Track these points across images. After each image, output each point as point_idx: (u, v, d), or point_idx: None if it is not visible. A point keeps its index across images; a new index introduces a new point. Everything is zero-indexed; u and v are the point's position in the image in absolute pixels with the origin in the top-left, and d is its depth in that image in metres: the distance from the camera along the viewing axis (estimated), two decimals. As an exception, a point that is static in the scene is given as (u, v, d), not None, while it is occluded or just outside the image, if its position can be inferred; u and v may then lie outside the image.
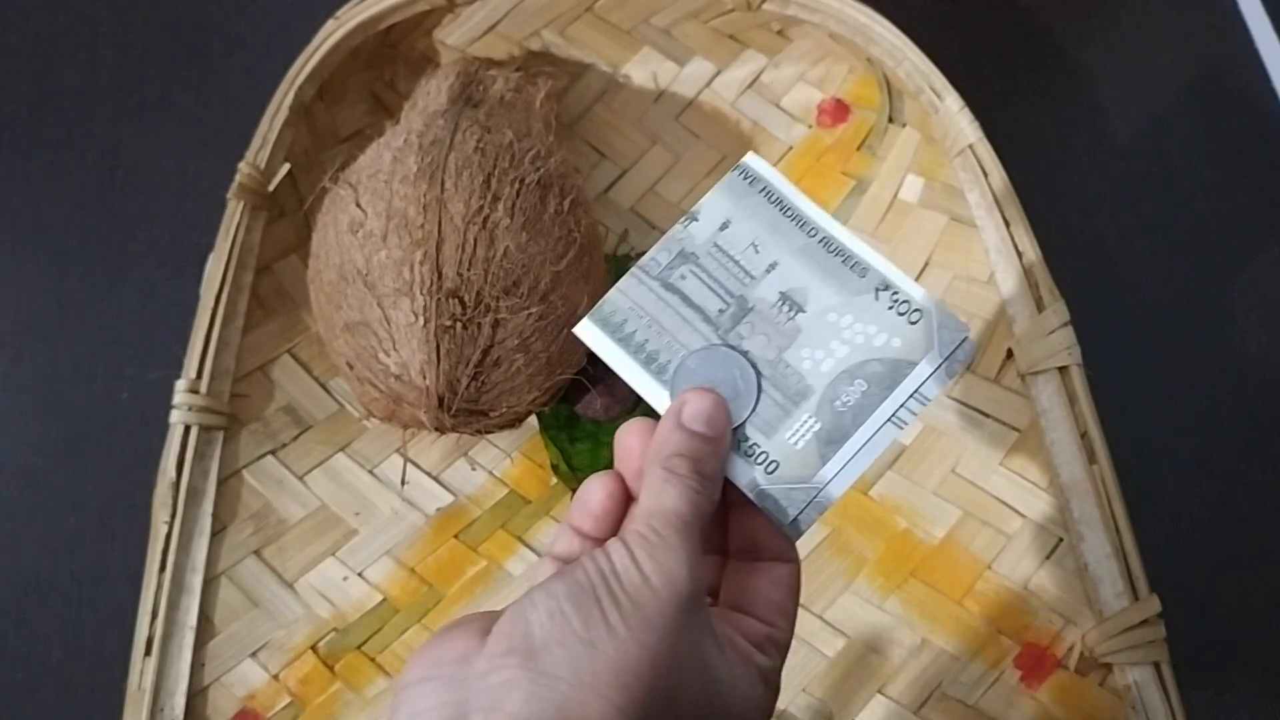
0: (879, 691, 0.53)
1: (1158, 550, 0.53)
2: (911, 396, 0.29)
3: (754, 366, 0.29)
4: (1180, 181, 0.71)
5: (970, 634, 0.54)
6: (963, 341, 0.29)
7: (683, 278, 0.31)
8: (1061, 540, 0.55)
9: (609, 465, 0.59)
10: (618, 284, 0.31)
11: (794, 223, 0.31)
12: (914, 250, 0.62)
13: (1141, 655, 0.50)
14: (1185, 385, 0.65)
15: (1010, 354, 0.58)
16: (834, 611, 0.55)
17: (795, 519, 0.28)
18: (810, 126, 0.67)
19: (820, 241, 0.31)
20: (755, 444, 0.29)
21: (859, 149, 0.66)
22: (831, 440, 0.29)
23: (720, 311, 0.30)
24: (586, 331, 0.31)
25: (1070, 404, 0.55)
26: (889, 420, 0.29)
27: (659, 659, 0.23)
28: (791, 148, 0.66)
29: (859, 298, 0.30)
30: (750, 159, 0.32)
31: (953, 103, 0.59)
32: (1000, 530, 0.56)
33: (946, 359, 0.29)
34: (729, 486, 0.29)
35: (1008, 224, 0.58)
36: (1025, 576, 0.55)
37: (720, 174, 0.65)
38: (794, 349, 0.30)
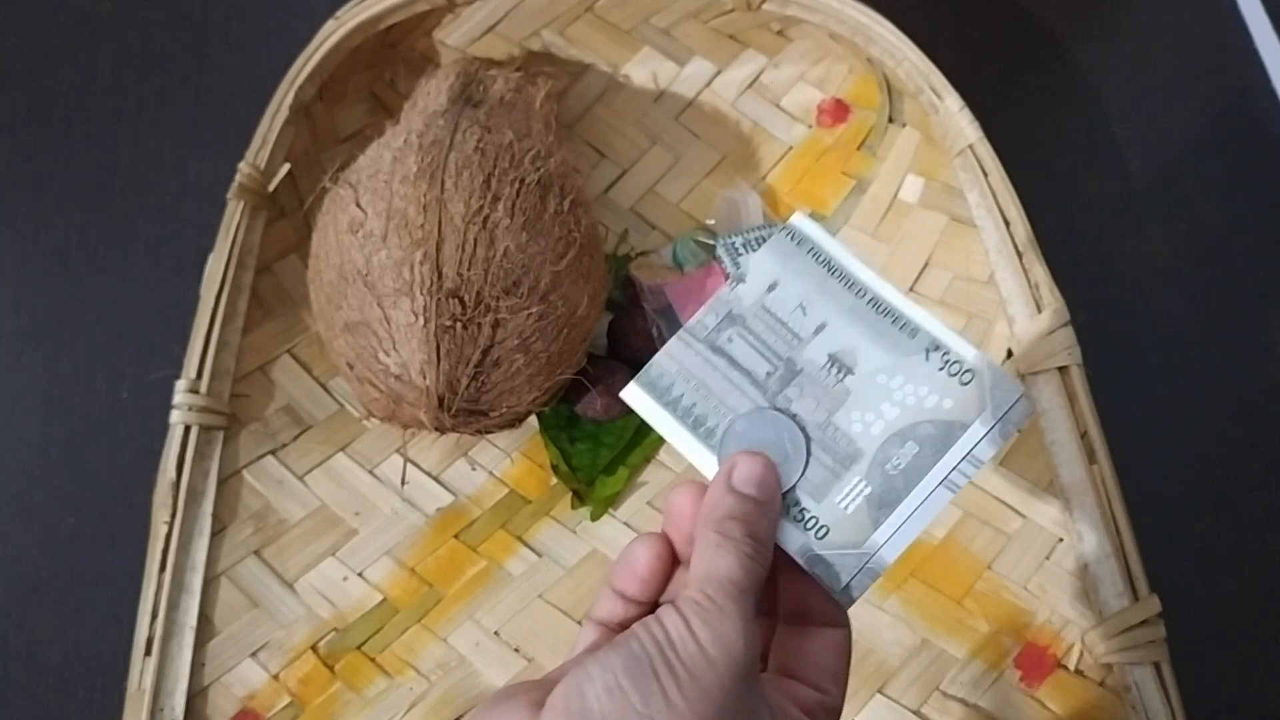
0: (879, 691, 0.53)
1: (1158, 550, 0.53)
2: (965, 459, 0.28)
3: (803, 430, 0.29)
4: (1180, 181, 0.71)
5: (970, 634, 0.54)
6: (1017, 401, 0.29)
7: (730, 340, 0.30)
8: (1062, 540, 0.55)
9: (608, 465, 0.60)
10: (664, 347, 0.31)
11: (842, 283, 0.31)
12: (914, 250, 0.62)
13: (1141, 655, 0.50)
14: (1185, 385, 0.65)
15: (1010, 354, 0.58)
16: (834, 611, 0.55)
17: (847, 585, 0.28)
18: (810, 126, 0.67)
19: (869, 302, 0.30)
20: (805, 509, 0.28)
21: (859, 149, 0.66)
22: (884, 504, 0.28)
23: (768, 374, 0.30)
24: (633, 396, 0.31)
25: (1070, 404, 0.55)
26: (942, 484, 0.28)
27: None
28: (791, 148, 0.66)
29: (909, 358, 0.29)
30: (797, 219, 0.32)
31: (952, 103, 0.59)
32: (1000, 530, 0.56)
33: (1000, 419, 0.28)
34: (778, 550, 0.28)
35: (1007, 224, 0.58)
36: (1025, 576, 0.55)
37: (720, 174, 0.66)
38: (843, 411, 0.29)
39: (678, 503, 0.28)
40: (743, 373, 0.30)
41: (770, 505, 0.27)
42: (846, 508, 0.28)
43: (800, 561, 0.28)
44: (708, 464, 0.29)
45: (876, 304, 0.30)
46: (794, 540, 0.28)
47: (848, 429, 0.29)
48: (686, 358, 0.31)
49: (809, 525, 0.28)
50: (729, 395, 0.30)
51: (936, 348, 0.29)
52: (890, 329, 0.30)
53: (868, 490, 0.28)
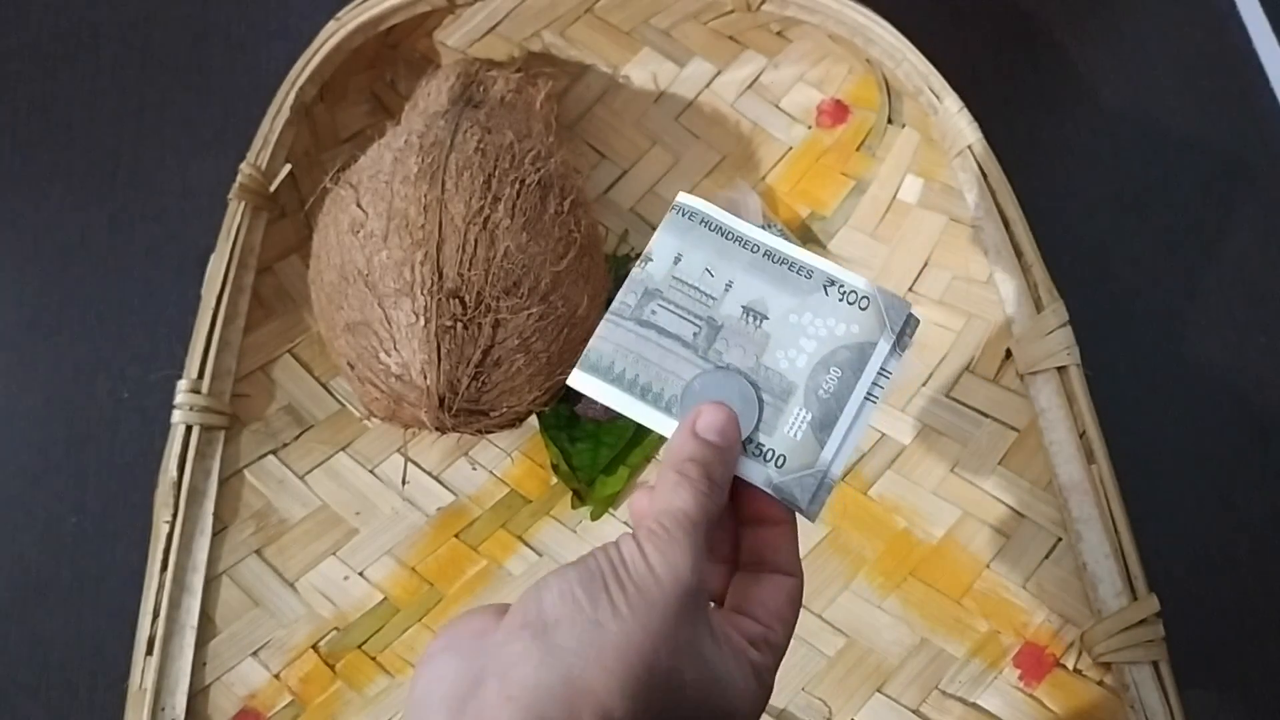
0: (878, 690, 0.53)
1: (1156, 550, 0.53)
2: (880, 373, 0.32)
3: (751, 382, 0.32)
4: (1179, 181, 0.71)
5: (969, 633, 0.54)
6: (909, 316, 0.33)
7: (654, 312, 0.33)
8: (1060, 540, 0.55)
9: (608, 465, 0.60)
10: (596, 332, 0.33)
11: (737, 244, 0.34)
12: (913, 250, 0.62)
13: (1140, 654, 0.50)
14: (1184, 385, 0.65)
15: (1009, 354, 0.59)
16: (833, 611, 0.55)
17: (810, 501, 0.31)
18: (810, 127, 0.67)
19: (764, 255, 0.34)
20: (761, 444, 0.32)
21: (858, 149, 0.66)
22: (823, 426, 0.32)
23: (695, 335, 0.33)
24: (579, 380, 0.33)
25: (1069, 404, 0.55)
26: (866, 398, 0.32)
27: (659, 642, 0.25)
28: (791, 148, 0.66)
29: (812, 296, 0.33)
30: (683, 197, 0.35)
31: (952, 103, 0.59)
32: (999, 530, 0.56)
33: (899, 334, 0.32)
34: (742, 500, 0.31)
35: (1006, 224, 0.58)
36: (1024, 576, 0.55)
37: (720, 174, 0.66)
38: (769, 353, 0.33)
39: (638, 504, 0.30)
40: (672, 338, 0.33)
41: (728, 450, 0.30)
42: (795, 435, 0.32)
43: (768, 490, 0.31)
44: (667, 426, 0.32)
45: (771, 255, 0.34)
46: (758, 474, 0.31)
47: (776, 367, 0.32)
48: (619, 336, 0.33)
49: (768, 458, 0.31)
50: (666, 360, 0.33)
51: (832, 282, 0.33)
52: (789, 274, 0.33)
53: (809, 416, 0.32)
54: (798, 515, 0.32)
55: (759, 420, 0.32)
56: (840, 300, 0.33)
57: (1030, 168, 0.67)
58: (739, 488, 0.31)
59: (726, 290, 0.33)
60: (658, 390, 0.32)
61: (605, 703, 0.25)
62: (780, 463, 0.31)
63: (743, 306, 0.33)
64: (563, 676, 0.25)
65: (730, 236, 0.34)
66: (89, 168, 0.73)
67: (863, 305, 0.33)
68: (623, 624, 0.25)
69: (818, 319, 0.33)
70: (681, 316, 0.33)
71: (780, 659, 0.30)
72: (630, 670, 0.25)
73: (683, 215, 0.35)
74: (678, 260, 0.34)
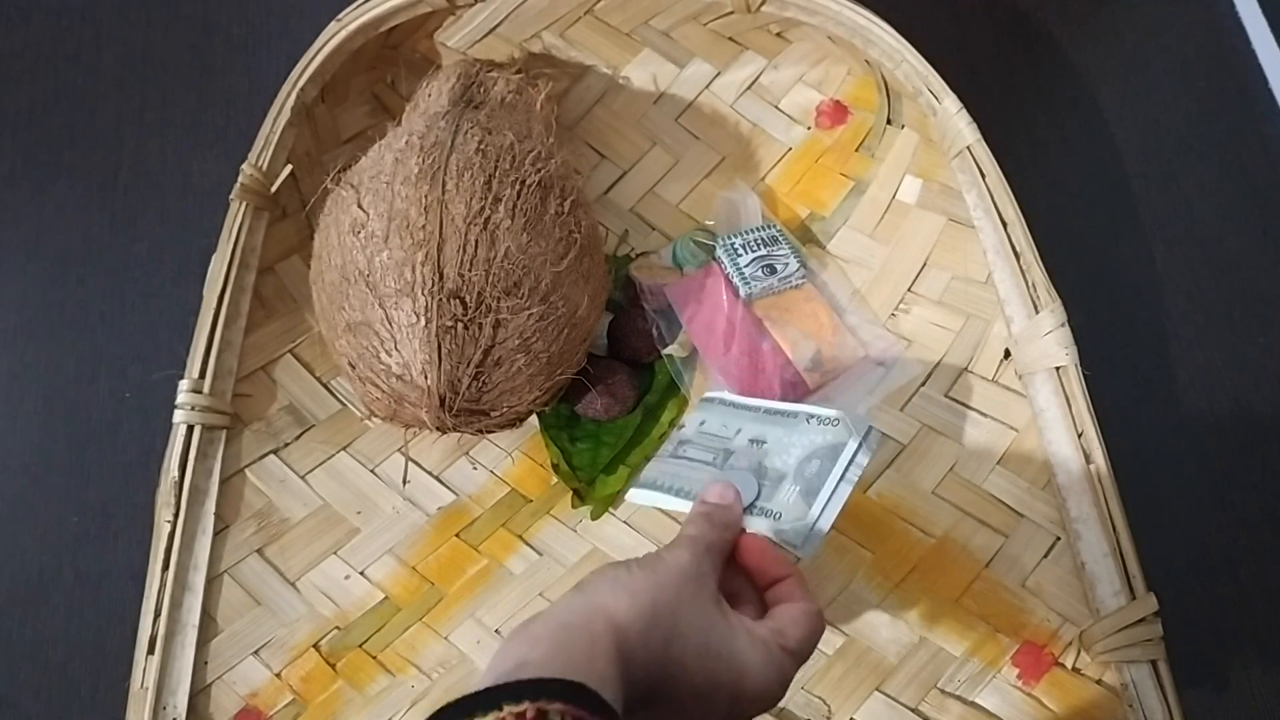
0: (877, 689, 0.53)
1: (1155, 549, 0.54)
2: (850, 463, 0.44)
3: (753, 475, 0.45)
4: (1177, 182, 0.71)
5: (968, 632, 0.54)
6: (869, 429, 0.45)
7: (686, 451, 0.48)
8: (1059, 539, 0.55)
9: (608, 465, 0.60)
10: (649, 464, 0.49)
11: (743, 409, 0.49)
12: (912, 251, 0.63)
13: (1138, 653, 0.50)
14: (1182, 385, 0.65)
15: (1008, 354, 0.59)
16: (833, 609, 0.55)
17: (804, 544, 0.41)
18: (809, 128, 0.67)
19: (764, 412, 0.48)
20: (763, 507, 0.43)
21: (857, 150, 0.66)
22: (809, 493, 0.43)
23: (714, 459, 0.47)
24: (635, 495, 0.47)
25: (1068, 404, 0.55)
26: (842, 479, 0.43)
27: (663, 592, 0.34)
28: (790, 149, 0.67)
29: (797, 428, 0.46)
30: (709, 393, 0.52)
31: (951, 104, 0.59)
32: (998, 529, 0.56)
33: (864, 437, 0.45)
34: (757, 571, 0.40)
35: (1005, 225, 0.58)
36: (1023, 575, 0.55)
37: (720, 175, 0.66)
38: (768, 459, 0.45)
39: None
40: (699, 463, 0.47)
41: (725, 509, 0.41)
42: (789, 500, 0.43)
43: (771, 536, 0.41)
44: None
45: (768, 410, 0.48)
46: (764, 526, 0.42)
47: (773, 465, 0.45)
48: (662, 466, 0.48)
49: (769, 515, 0.42)
50: (695, 473, 0.46)
51: (810, 417, 0.47)
52: (780, 418, 0.48)
53: (798, 489, 0.43)
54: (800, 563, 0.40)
55: (759, 493, 0.43)
56: (818, 425, 0.46)
57: (1030, 168, 0.68)
58: (752, 562, 0.40)
59: (737, 433, 0.48)
60: (688, 490, 0.45)
61: (615, 618, 0.32)
62: (778, 517, 0.42)
63: (749, 440, 0.47)
64: (585, 599, 0.34)
65: (739, 405, 0.49)
66: (90, 168, 0.73)
67: (834, 424, 0.46)
68: (635, 575, 0.35)
69: (802, 438, 0.46)
70: (707, 449, 0.48)
71: (798, 661, 0.37)
72: (637, 601, 0.33)
73: (708, 400, 0.51)
74: (703, 423, 0.49)
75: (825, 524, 0.42)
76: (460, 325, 0.48)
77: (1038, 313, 0.57)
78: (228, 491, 0.58)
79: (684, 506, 0.44)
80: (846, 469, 0.44)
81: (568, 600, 0.34)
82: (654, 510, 0.58)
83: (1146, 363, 0.66)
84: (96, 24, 0.78)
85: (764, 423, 0.47)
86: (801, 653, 0.37)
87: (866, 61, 0.64)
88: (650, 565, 0.35)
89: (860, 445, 0.45)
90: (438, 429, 0.49)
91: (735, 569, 0.40)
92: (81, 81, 0.76)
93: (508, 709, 0.27)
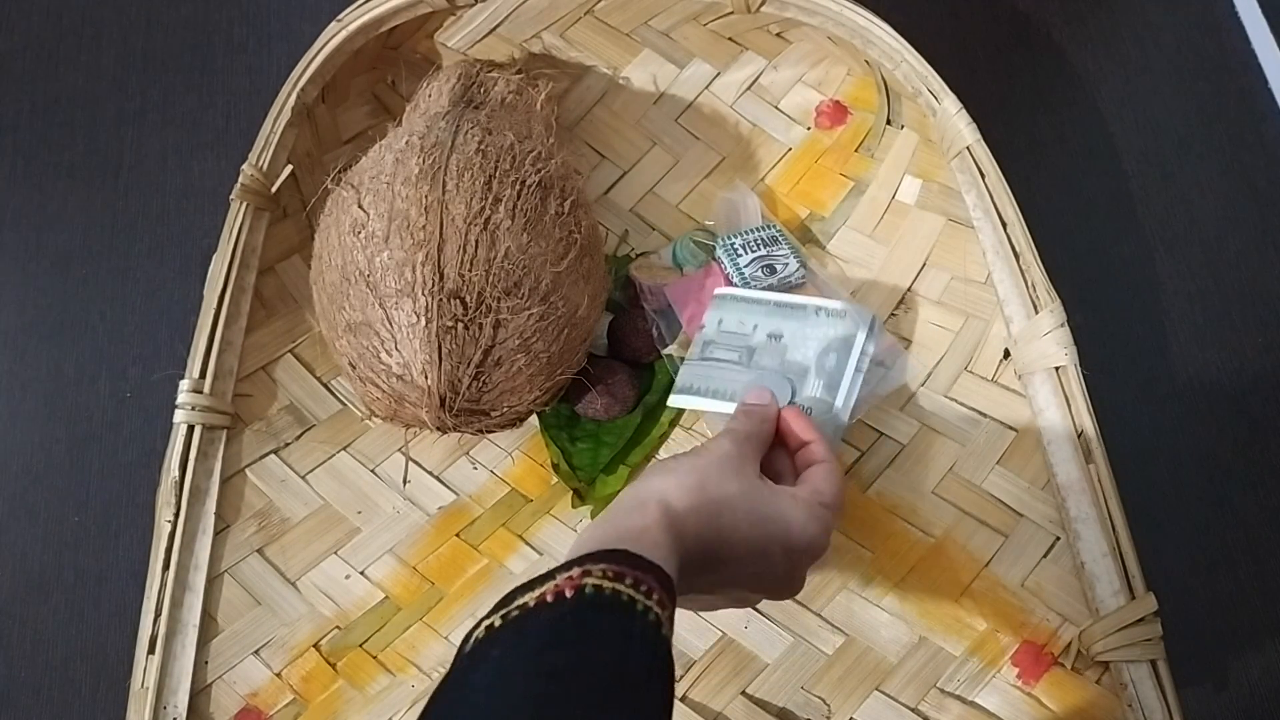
0: (877, 688, 0.53)
1: (1154, 549, 0.54)
2: (860, 353, 0.50)
3: (786, 377, 0.50)
4: (1176, 182, 0.71)
5: (967, 631, 0.54)
6: (873, 318, 0.51)
7: (712, 352, 0.53)
8: (1058, 539, 0.55)
9: (609, 464, 0.60)
10: (682, 368, 0.53)
11: (755, 303, 0.54)
12: (911, 251, 0.63)
13: (1138, 653, 0.50)
14: (1181, 385, 0.65)
15: (1007, 354, 0.59)
16: (832, 609, 0.55)
17: (833, 433, 0.48)
18: (809, 128, 0.67)
19: (774, 305, 0.53)
20: (798, 402, 0.49)
21: (857, 150, 0.66)
22: (831, 387, 0.50)
23: (739, 358, 0.52)
24: (676, 400, 0.52)
25: (1067, 404, 0.55)
26: (855, 369, 0.50)
27: (708, 473, 0.39)
28: (790, 149, 0.67)
29: (809, 320, 0.52)
30: (719, 290, 0.56)
31: (950, 105, 0.59)
32: (997, 529, 0.56)
33: (870, 327, 0.51)
34: (796, 455, 0.46)
35: (1004, 225, 0.58)
36: (1022, 575, 0.55)
37: (719, 175, 0.66)
38: (789, 354, 0.51)
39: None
40: (727, 363, 0.52)
41: (760, 405, 0.47)
42: (815, 394, 0.50)
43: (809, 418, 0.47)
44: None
45: (777, 304, 0.53)
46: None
47: (795, 360, 0.51)
48: (694, 368, 0.53)
49: (805, 407, 0.48)
50: (728, 373, 0.52)
51: (819, 309, 0.52)
52: (791, 311, 0.53)
53: (821, 383, 0.50)
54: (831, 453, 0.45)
55: (793, 394, 0.49)
56: (827, 317, 0.52)
57: (1029, 168, 0.68)
58: (784, 428, 0.46)
59: (754, 329, 0.53)
60: (723, 391, 0.51)
61: (665, 497, 0.37)
62: (809, 413, 0.47)
63: (767, 334, 0.52)
64: (638, 485, 0.39)
65: (751, 300, 0.54)
66: (91, 168, 0.73)
67: (841, 316, 0.52)
68: (681, 461, 0.41)
69: (815, 331, 0.52)
70: (729, 349, 0.52)
71: (835, 513, 0.42)
72: (683, 482, 0.38)
73: (719, 296, 0.55)
74: (720, 321, 0.54)
75: (845, 415, 0.49)
76: (460, 325, 0.48)
77: (1037, 313, 0.57)
78: (228, 491, 0.58)
79: (721, 407, 0.49)
80: (859, 357, 0.50)
81: (624, 492, 0.39)
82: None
83: (1146, 363, 0.66)
84: (96, 24, 0.78)
85: (777, 316, 0.53)
86: (835, 504, 0.42)
87: (866, 62, 0.64)
88: (696, 453, 0.41)
89: (868, 335, 0.50)
90: (438, 429, 0.50)
91: (774, 454, 0.46)
92: (81, 81, 0.76)
93: (560, 576, 0.35)
